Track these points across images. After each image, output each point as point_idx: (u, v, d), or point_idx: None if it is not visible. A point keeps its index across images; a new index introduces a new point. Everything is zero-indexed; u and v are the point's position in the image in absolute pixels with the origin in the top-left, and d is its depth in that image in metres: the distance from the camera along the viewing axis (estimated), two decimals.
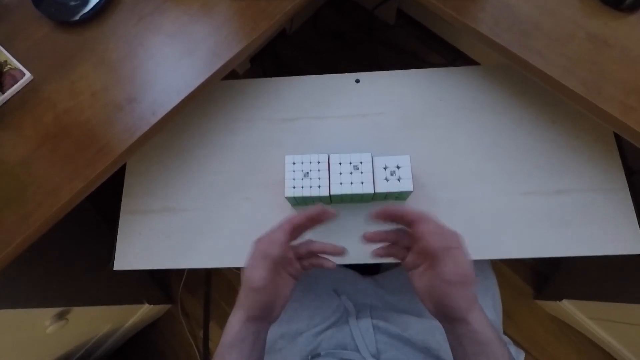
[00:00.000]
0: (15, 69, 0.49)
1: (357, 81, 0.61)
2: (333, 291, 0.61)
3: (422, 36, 1.32)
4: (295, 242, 0.43)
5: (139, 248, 0.55)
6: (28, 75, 0.49)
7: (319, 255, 0.44)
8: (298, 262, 0.44)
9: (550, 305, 1.07)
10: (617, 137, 0.56)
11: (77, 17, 0.51)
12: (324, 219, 0.41)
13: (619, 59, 0.45)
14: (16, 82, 0.48)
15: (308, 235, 0.45)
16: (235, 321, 0.40)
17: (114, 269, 0.55)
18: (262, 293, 0.39)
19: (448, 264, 0.37)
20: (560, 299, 0.98)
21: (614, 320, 0.88)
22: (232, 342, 0.40)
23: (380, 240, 0.44)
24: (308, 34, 1.38)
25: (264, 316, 0.41)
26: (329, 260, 0.44)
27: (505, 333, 1.08)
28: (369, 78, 0.61)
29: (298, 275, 0.44)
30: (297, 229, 0.41)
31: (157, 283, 1.10)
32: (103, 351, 1.02)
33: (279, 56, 1.37)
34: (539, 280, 1.13)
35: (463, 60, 1.27)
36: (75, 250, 0.68)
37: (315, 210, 0.40)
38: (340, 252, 0.43)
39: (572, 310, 0.98)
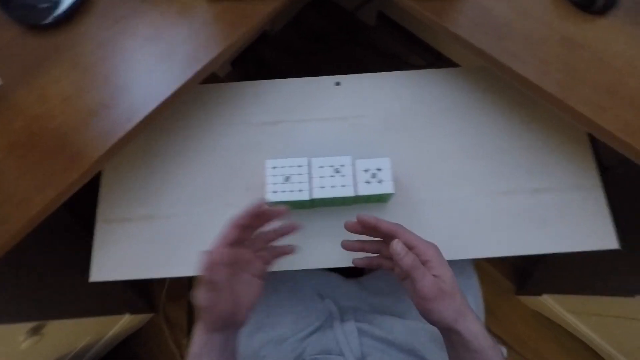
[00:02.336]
0: None
1: (338, 84, 0.61)
2: (317, 295, 0.61)
3: (403, 38, 1.33)
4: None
5: (116, 258, 0.54)
6: None
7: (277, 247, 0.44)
8: (259, 260, 0.43)
9: (531, 301, 1.09)
10: (590, 136, 0.58)
11: (47, 21, 0.49)
12: (271, 215, 0.41)
13: (590, 61, 0.46)
14: None
15: (293, 239, 0.45)
16: (200, 333, 0.40)
17: (90, 280, 0.53)
18: (212, 310, 0.38)
19: (421, 281, 0.37)
20: (540, 294, 1.01)
21: (591, 313, 0.91)
22: (199, 352, 0.39)
23: (359, 250, 0.44)
24: (290, 35, 1.38)
25: (227, 325, 0.40)
26: (288, 246, 0.43)
27: (487, 329, 1.11)
28: (349, 81, 0.61)
29: (262, 273, 0.43)
30: (243, 230, 0.40)
31: (139, 292, 1.07)
32: None
33: (261, 58, 1.36)
34: (520, 276, 1.15)
35: (444, 62, 1.29)
36: (50, 261, 0.66)
37: (253, 207, 0.39)
38: (294, 226, 0.41)
39: (552, 304, 1.01)
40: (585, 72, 0.46)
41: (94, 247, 0.54)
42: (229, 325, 0.41)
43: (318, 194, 0.48)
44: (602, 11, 0.47)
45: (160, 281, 1.18)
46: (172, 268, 0.53)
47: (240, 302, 0.40)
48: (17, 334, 0.65)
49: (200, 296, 0.38)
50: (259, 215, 0.40)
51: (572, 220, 0.54)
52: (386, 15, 1.34)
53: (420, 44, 1.31)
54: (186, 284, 1.19)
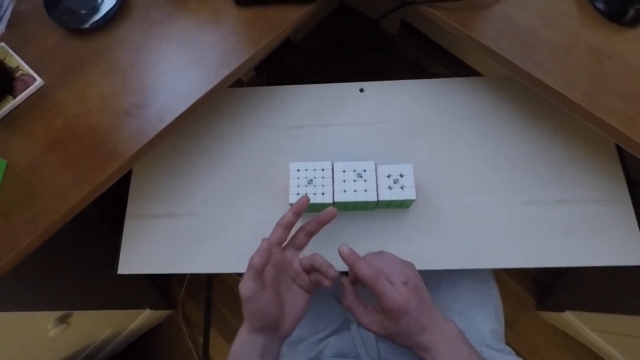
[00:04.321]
0: (27, 74, 0.50)
1: (362, 90, 0.62)
2: (334, 298, 0.61)
3: (425, 47, 1.34)
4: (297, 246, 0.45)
5: (143, 252, 0.56)
6: (39, 81, 0.50)
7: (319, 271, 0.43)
8: (307, 276, 0.44)
9: (552, 316, 1.06)
10: (619, 148, 0.56)
11: (87, 25, 0.52)
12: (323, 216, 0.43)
13: (619, 72, 0.45)
14: (27, 87, 0.49)
15: (315, 242, 0.46)
16: (242, 331, 0.40)
17: (118, 272, 0.55)
18: (253, 303, 0.38)
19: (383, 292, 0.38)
20: (563, 310, 0.98)
21: (616, 332, 0.88)
22: (239, 352, 0.40)
23: None
24: (313, 43, 1.40)
25: (269, 328, 0.40)
26: (325, 280, 0.43)
27: (506, 343, 1.08)
28: (372, 87, 0.62)
29: (310, 288, 0.44)
30: (286, 228, 0.42)
31: (159, 288, 1.10)
32: (103, 356, 1.02)
33: (284, 65, 1.38)
34: (542, 290, 1.12)
35: (466, 72, 1.28)
36: (79, 254, 0.69)
37: (300, 203, 0.42)
38: (332, 275, 0.41)
39: (574, 321, 0.98)
40: (613, 82, 0.45)
41: (123, 241, 0.56)
42: (271, 328, 0.41)
43: (340, 198, 0.49)
44: (633, 22, 0.47)
45: (180, 279, 1.21)
46: (195, 265, 0.55)
47: (286, 310, 0.41)
48: (45, 321, 0.68)
49: (243, 285, 0.38)
50: (299, 212, 0.43)
51: (598, 233, 0.53)
52: (410, 24, 1.35)
53: (444, 53, 1.31)
54: (204, 283, 1.21)
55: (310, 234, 0.45)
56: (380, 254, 0.43)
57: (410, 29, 1.35)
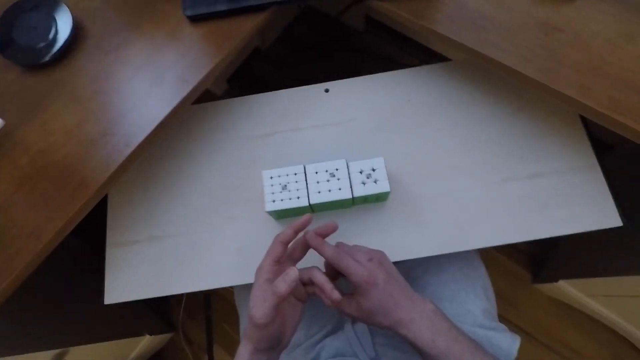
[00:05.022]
0: None
1: (327, 90, 0.62)
2: None
3: (394, 40, 1.35)
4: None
5: (128, 279, 0.55)
6: (0, 122, 0.49)
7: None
8: (303, 287, 0.44)
9: (548, 288, 1.08)
10: (582, 117, 0.58)
11: (44, 59, 0.52)
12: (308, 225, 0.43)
13: (570, 42, 0.47)
14: None
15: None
16: (244, 352, 0.40)
17: (105, 303, 0.54)
18: (267, 329, 0.38)
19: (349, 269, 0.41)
20: (556, 280, 1.00)
21: (609, 294, 0.90)
22: None
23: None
24: (282, 48, 1.41)
25: (273, 346, 0.40)
26: (327, 300, 0.42)
27: (507, 319, 1.09)
28: (338, 86, 0.63)
29: (305, 298, 0.44)
30: (286, 244, 0.42)
31: (156, 312, 1.09)
32: None
33: (255, 73, 1.39)
34: (535, 264, 1.14)
35: (437, 59, 1.29)
36: (66, 287, 0.68)
37: (302, 222, 0.43)
38: (335, 299, 0.40)
39: (569, 290, 1.00)
40: (565, 54, 0.46)
41: (106, 271, 0.56)
42: (274, 347, 0.40)
43: (316, 199, 0.49)
44: None
45: (177, 300, 1.20)
46: (182, 284, 0.55)
47: (288, 323, 0.41)
48: None
49: (260, 311, 0.36)
50: (300, 228, 0.43)
51: (573, 201, 0.54)
52: (374, 19, 1.36)
53: (413, 44, 1.32)
54: (202, 301, 1.20)
55: (307, 248, 0.45)
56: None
57: (376, 24, 1.36)
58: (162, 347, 1.18)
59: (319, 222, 0.55)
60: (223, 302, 1.20)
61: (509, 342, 0.53)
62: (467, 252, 0.62)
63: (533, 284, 1.13)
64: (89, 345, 0.79)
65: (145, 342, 1.04)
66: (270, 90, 0.63)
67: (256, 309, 0.37)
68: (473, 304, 0.56)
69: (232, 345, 1.16)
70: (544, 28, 0.48)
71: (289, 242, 0.42)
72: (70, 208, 0.45)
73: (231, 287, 1.12)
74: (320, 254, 0.42)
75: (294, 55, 1.40)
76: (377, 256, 0.42)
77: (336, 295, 0.40)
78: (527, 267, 1.15)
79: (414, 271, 0.60)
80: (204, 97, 0.55)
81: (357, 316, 0.42)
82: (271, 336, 0.39)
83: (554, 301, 1.10)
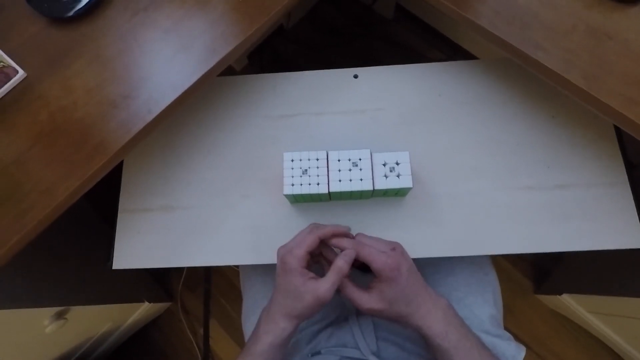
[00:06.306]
0: (8, 66, 0.48)
1: (356, 76, 0.60)
2: None
3: (420, 31, 1.31)
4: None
5: (137, 247, 0.55)
6: (21, 73, 0.48)
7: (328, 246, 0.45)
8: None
9: (550, 300, 1.07)
10: (617, 131, 0.56)
11: (70, 13, 0.50)
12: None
13: (619, 52, 0.44)
14: (9, 80, 0.48)
15: None
16: (279, 320, 0.42)
17: (113, 268, 0.54)
18: (324, 304, 0.40)
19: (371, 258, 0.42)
20: (560, 294, 0.99)
21: (613, 313, 0.89)
22: (283, 339, 0.42)
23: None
24: (306, 29, 1.37)
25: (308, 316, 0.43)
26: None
27: (505, 328, 1.09)
28: (367, 73, 0.61)
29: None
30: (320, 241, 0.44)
31: (157, 281, 1.10)
32: (103, 350, 1.02)
33: (277, 52, 1.36)
34: (539, 274, 1.13)
35: (462, 55, 1.26)
36: (73, 249, 0.68)
37: (341, 230, 0.44)
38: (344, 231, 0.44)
39: (572, 304, 0.99)
40: (613, 63, 0.44)
41: (116, 236, 0.55)
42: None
43: (336, 188, 0.48)
44: (633, 0, 0.45)
45: (178, 271, 1.21)
46: (190, 258, 0.54)
47: None
48: (42, 318, 0.67)
49: (326, 288, 0.40)
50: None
51: (596, 217, 0.52)
52: (404, 8, 1.32)
53: (440, 37, 1.29)
54: (202, 275, 1.21)
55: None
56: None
57: (405, 13, 1.33)
58: (159, 315, 1.19)
59: (333, 211, 0.55)
60: (222, 278, 1.21)
61: (513, 352, 0.52)
62: (480, 256, 0.60)
63: (535, 294, 1.12)
64: (89, 307, 0.80)
65: (144, 309, 1.05)
66: (289, 70, 0.61)
67: (321, 286, 0.40)
68: (481, 309, 0.55)
69: (227, 320, 1.17)
70: (594, 33, 0.45)
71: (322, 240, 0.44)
72: (87, 169, 0.44)
73: (236, 267, 1.12)
74: (340, 248, 0.43)
75: (317, 36, 1.37)
76: (399, 246, 0.43)
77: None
78: (531, 277, 1.14)
79: (424, 269, 0.59)
80: (223, 70, 0.53)
81: (377, 308, 0.41)
82: (319, 310, 0.42)
83: (554, 313, 1.10)
